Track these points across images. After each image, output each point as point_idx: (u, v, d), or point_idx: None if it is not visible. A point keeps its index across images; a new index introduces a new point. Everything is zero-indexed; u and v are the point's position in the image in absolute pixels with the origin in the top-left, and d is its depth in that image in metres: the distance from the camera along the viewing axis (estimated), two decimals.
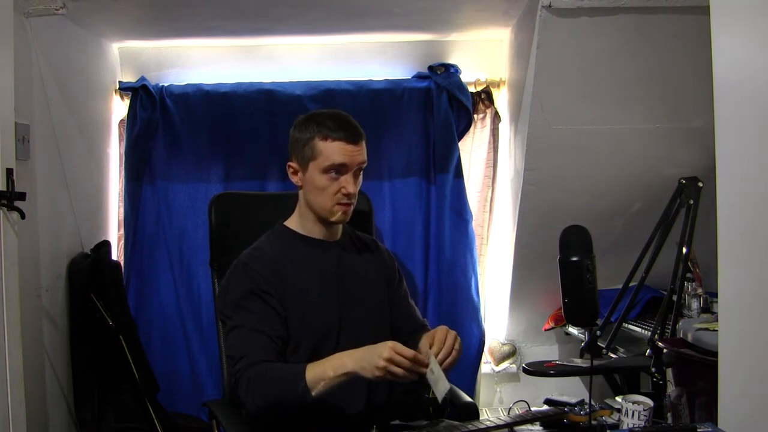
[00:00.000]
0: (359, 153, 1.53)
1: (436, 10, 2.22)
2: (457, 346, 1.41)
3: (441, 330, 1.43)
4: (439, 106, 2.46)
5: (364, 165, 1.56)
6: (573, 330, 2.45)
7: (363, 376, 1.34)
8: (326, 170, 1.51)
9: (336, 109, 1.59)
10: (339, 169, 1.51)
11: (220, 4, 2.11)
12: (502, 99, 2.57)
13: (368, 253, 1.71)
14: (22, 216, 1.64)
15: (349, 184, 1.53)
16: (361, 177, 1.57)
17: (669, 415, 1.52)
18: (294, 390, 1.36)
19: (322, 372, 1.36)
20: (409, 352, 1.30)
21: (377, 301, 1.66)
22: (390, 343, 1.32)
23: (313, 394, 1.35)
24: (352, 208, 1.58)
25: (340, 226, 1.64)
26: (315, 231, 1.62)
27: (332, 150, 1.50)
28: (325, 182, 1.52)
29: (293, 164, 1.58)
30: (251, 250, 1.60)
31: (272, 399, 1.40)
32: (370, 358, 1.32)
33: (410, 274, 2.49)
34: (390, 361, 1.29)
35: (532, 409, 1.55)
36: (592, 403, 1.44)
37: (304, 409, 1.50)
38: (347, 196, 1.54)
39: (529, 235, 2.41)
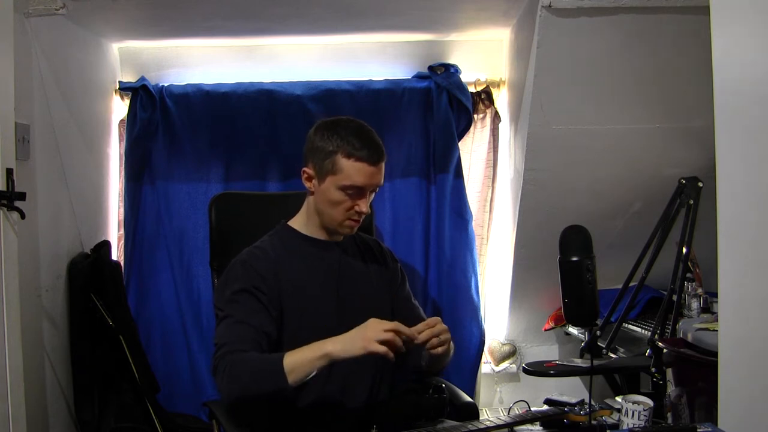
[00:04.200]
0: (379, 174, 1.53)
1: (436, 10, 2.22)
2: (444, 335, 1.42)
3: (430, 320, 1.44)
4: (439, 106, 2.45)
5: (381, 185, 1.56)
6: (573, 330, 2.45)
7: (343, 358, 1.34)
8: (344, 188, 1.51)
9: (359, 121, 1.57)
10: (357, 189, 1.51)
11: (220, 4, 2.11)
12: (502, 99, 2.57)
13: (370, 255, 1.71)
14: (22, 216, 1.64)
15: (364, 204, 1.53)
16: (376, 192, 1.58)
17: (669, 415, 1.52)
18: (270, 377, 1.35)
19: (299, 356, 1.36)
20: (392, 324, 1.33)
21: (377, 303, 1.66)
22: (378, 327, 1.32)
23: (290, 380, 1.34)
24: (359, 223, 1.58)
25: None
26: (319, 234, 1.62)
27: (354, 170, 1.49)
28: (339, 198, 1.52)
29: (309, 171, 1.56)
30: (253, 249, 1.61)
31: (247, 386, 1.38)
32: (354, 339, 1.32)
33: (410, 274, 2.48)
34: (387, 342, 1.31)
35: (532, 409, 1.55)
36: (592, 403, 1.44)
37: (303, 410, 1.50)
38: (359, 214, 1.55)
39: (529, 235, 2.41)
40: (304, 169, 1.58)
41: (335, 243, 1.63)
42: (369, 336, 1.32)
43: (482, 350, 2.53)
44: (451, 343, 1.54)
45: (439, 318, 1.44)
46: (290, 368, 1.34)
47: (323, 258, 1.61)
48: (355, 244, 1.69)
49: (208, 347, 2.44)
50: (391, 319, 1.67)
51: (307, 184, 1.58)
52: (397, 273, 1.75)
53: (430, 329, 1.40)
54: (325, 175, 1.52)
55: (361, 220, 1.58)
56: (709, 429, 1.27)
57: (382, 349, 1.31)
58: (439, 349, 1.42)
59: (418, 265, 2.52)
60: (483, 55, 2.57)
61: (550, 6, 1.94)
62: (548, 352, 2.71)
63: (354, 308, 1.60)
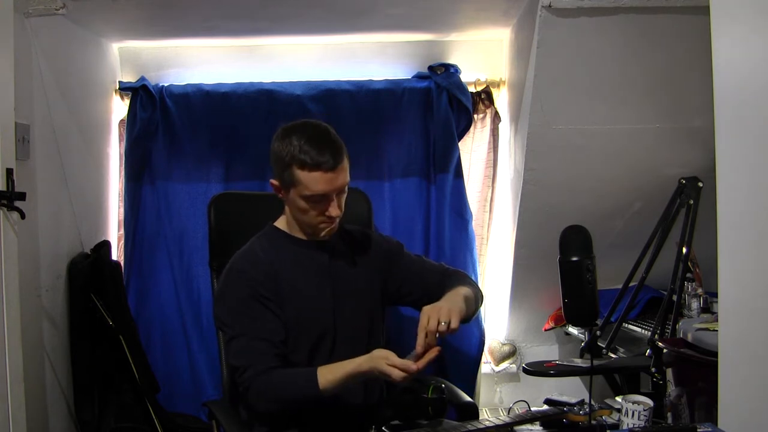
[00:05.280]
0: (339, 177, 1.48)
1: (436, 10, 2.22)
2: (442, 328, 1.40)
3: (422, 323, 1.41)
4: (439, 106, 2.45)
5: (347, 183, 1.53)
6: (573, 330, 2.45)
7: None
8: (306, 198, 1.49)
9: (314, 124, 1.53)
10: (320, 196, 1.49)
11: (220, 4, 2.11)
12: (502, 99, 2.57)
13: (359, 249, 1.69)
14: (22, 216, 1.64)
15: (333, 208, 1.51)
16: (345, 192, 1.54)
17: (669, 415, 1.52)
18: (308, 395, 1.43)
19: (332, 377, 1.43)
20: (398, 364, 1.37)
21: (369, 303, 1.66)
22: (389, 372, 1.37)
23: (321, 389, 1.42)
24: (337, 223, 1.56)
25: None
26: (303, 235, 1.61)
27: (311, 180, 1.46)
28: (307, 206, 1.50)
29: (275, 182, 1.55)
30: (243, 254, 1.60)
31: (285, 404, 1.45)
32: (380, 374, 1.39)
33: None
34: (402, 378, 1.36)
35: (532, 409, 1.55)
36: (592, 403, 1.44)
37: (302, 410, 1.51)
38: (331, 218, 1.53)
39: (529, 235, 2.41)
40: (272, 181, 1.55)
41: (323, 242, 1.61)
42: (388, 375, 1.37)
43: (482, 350, 2.53)
44: (466, 290, 1.56)
45: (428, 311, 1.42)
46: (324, 386, 1.42)
47: (313, 258, 1.60)
48: (342, 241, 1.67)
49: (208, 347, 2.44)
50: (382, 315, 1.71)
51: (278, 195, 1.57)
52: (390, 250, 1.72)
53: (423, 332, 1.39)
54: (288, 186, 1.50)
55: (336, 221, 1.55)
56: (709, 429, 1.27)
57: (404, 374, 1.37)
58: (448, 331, 1.40)
59: None
60: (483, 55, 2.57)
61: (550, 6, 1.93)
62: (548, 352, 2.71)
63: (348, 308, 1.60)
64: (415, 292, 1.68)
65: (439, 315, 1.40)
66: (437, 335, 1.40)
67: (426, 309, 1.43)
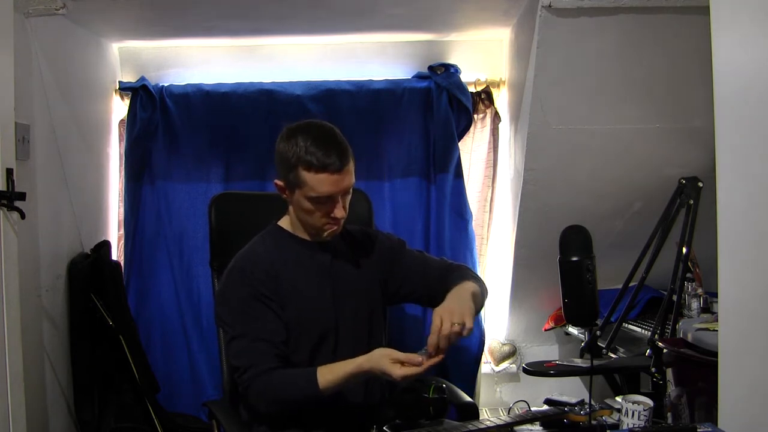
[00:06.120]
0: (345, 179, 1.48)
1: (436, 10, 2.22)
2: (455, 329, 1.37)
3: (434, 324, 1.39)
4: (439, 106, 2.45)
5: (353, 185, 1.52)
6: (573, 330, 2.45)
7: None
8: (312, 200, 1.48)
9: (320, 124, 1.52)
10: (326, 198, 1.48)
11: (220, 4, 2.11)
12: (502, 99, 2.57)
13: (360, 250, 1.69)
14: (22, 216, 1.64)
15: (339, 209, 1.50)
16: (350, 193, 1.54)
17: (669, 415, 1.52)
18: (308, 395, 1.42)
19: (332, 377, 1.43)
20: (402, 358, 1.37)
21: (370, 304, 1.66)
22: (390, 371, 1.37)
23: (321, 390, 1.42)
24: (341, 224, 1.56)
25: None
26: (306, 235, 1.61)
27: (317, 182, 1.45)
28: (312, 208, 1.50)
29: (279, 183, 1.54)
30: (245, 253, 1.59)
31: (286, 405, 1.45)
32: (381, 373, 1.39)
33: None
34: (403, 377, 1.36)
35: (532, 409, 1.55)
36: (592, 403, 1.44)
37: (302, 410, 1.51)
38: (336, 219, 1.52)
39: (529, 235, 2.41)
40: (276, 181, 1.55)
41: (325, 243, 1.61)
42: (389, 374, 1.37)
43: (482, 350, 2.53)
44: (473, 286, 1.54)
45: (441, 312, 1.40)
46: (328, 391, 1.43)
47: (315, 258, 1.60)
48: (343, 241, 1.67)
49: (208, 347, 2.44)
50: (384, 314, 1.71)
51: (282, 196, 1.56)
52: (393, 249, 1.72)
53: (435, 334, 1.37)
54: (293, 187, 1.49)
55: (341, 222, 1.55)
56: (709, 429, 1.27)
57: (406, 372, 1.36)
58: (464, 332, 1.38)
59: None
60: (483, 55, 2.57)
61: (550, 6, 1.93)
62: (548, 352, 2.71)
63: (348, 309, 1.60)
64: (417, 290, 1.68)
65: (451, 317, 1.38)
66: (450, 338, 1.38)
67: (438, 311, 1.40)
